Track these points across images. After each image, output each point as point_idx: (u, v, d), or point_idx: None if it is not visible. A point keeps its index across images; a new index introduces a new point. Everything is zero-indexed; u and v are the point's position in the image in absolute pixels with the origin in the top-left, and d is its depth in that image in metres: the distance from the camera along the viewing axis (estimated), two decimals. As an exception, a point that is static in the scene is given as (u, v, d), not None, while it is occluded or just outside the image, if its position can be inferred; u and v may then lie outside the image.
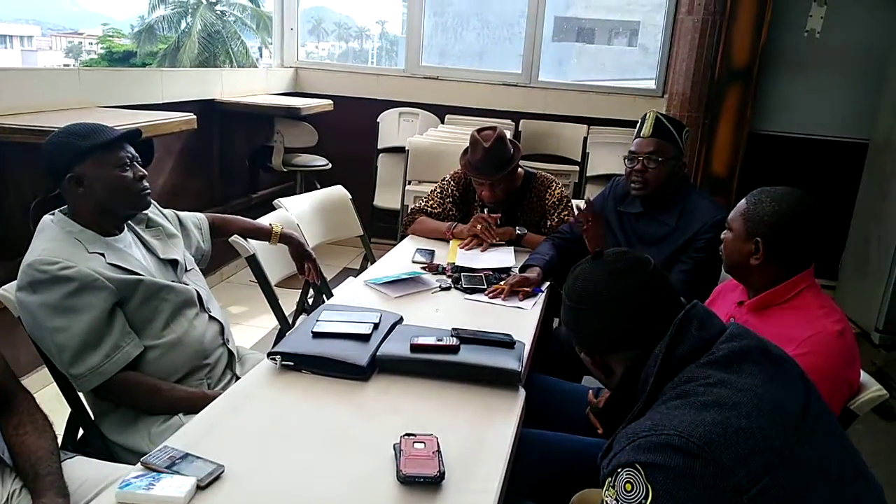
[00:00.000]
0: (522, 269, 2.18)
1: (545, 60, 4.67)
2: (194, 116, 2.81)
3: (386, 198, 4.45)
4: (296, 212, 2.53)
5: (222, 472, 1.11)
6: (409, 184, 3.94)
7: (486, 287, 2.07)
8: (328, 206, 2.78)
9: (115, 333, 1.51)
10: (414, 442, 1.19)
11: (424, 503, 1.09)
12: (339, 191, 2.87)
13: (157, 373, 1.59)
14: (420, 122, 4.59)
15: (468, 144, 2.46)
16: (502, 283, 2.07)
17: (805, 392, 1.02)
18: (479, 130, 2.45)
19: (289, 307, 2.43)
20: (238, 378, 1.71)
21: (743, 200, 1.52)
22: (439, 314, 1.88)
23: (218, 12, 27.06)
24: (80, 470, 1.33)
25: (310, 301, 2.56)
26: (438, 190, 2.64)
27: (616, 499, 0.91)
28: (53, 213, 1.58)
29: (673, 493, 0.87)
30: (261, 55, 26.65)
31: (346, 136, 4.62)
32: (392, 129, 4.63)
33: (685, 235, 2.11)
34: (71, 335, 1.46)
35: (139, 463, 1.13)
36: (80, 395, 1.59)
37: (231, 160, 4.11)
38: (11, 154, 2.43)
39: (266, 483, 1.12)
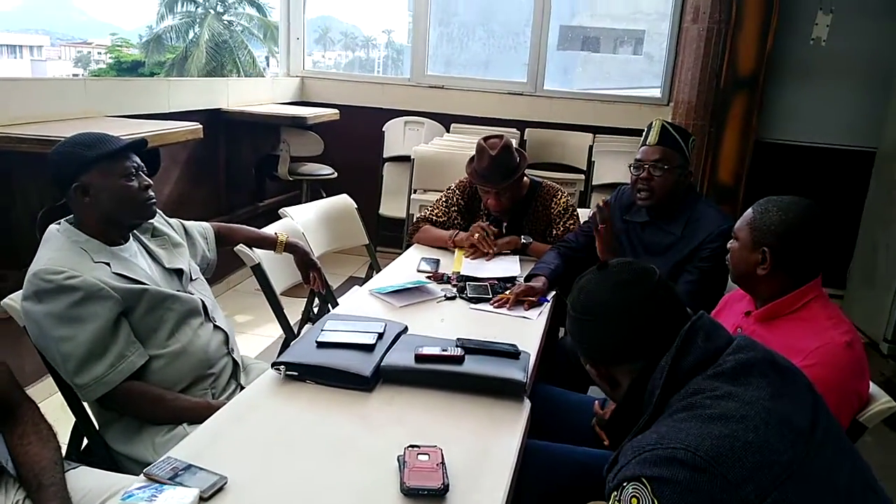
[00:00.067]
0: (528, 279, 2.17)
1: (550, 69, 4.67)
2: (200, 126, 2.82)
3: (391, 207, 4.45)
4: (301, 221, 2.53)
5: (225, 483, 1.11)
6: (415, 192, 3.94)
7: (491, 296, 2.06)
8: (333, 215, 2.79)
9: (119, 343, 1.51)
10: (418, 454, 1.18)
11: (428, 516, 1.08)
12: (344, 200, 2.87)
13: (162, 382, 1.59)
14: (425, 131, 4.59)
15: (474, 153, 2.46)
16: (507, 292, 2.06)
17: (813, 405, 1.01)
18: (485, 139, 2.45)
19: (294, 316, 2.44)
20: (242, 388, 1.71)
21: (749, 210, 1.51)
22: (444, 324, 1.87)
23: (225, 22, 27.26)
24: (84, 480, 1.33)
25: (315, 310, 2.55)
26: (444, 199, 2.64)
27: (622, 513, 0.90)
28: (59, 223, 1.59)
29: (679, 508, 0.86)
30: (268, 64, 26.80)
31: (352, 145, 4.63)
32: (398, 138, 4.63)
33: (691, 244, 2.09)
34: (76, 344, 1.46)
35: (142, 474, 1.12)
36: (85, 404, 1.59)
37: (237, 169, 4.12)
38: (19, 163, 2.45)
39: (269, 494, 1.12)
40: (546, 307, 2.04)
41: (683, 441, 0.89)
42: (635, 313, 1.09)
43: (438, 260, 2.38)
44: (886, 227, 3.86)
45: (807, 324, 1.41)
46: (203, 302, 1.73)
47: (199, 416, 1.44)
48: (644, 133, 2.18)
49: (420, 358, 1.51)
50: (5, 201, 2.49)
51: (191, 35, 26.62)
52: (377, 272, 2.46)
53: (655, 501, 0.87)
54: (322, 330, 1.62)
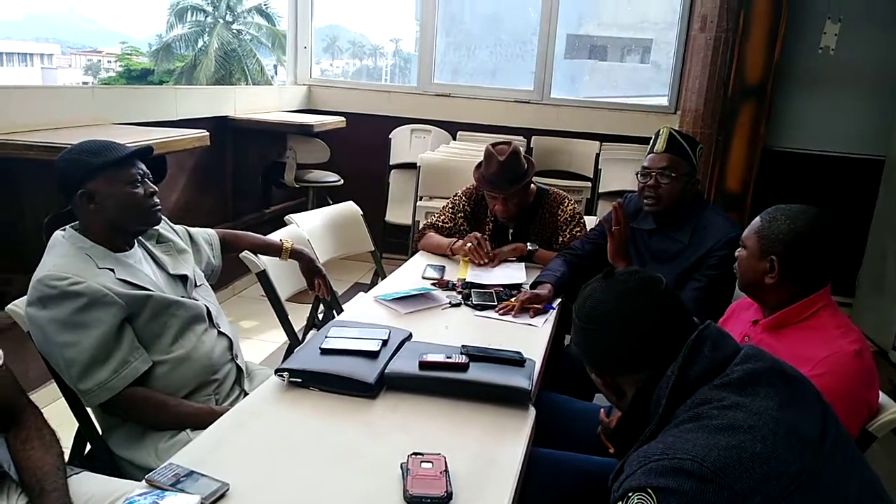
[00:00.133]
0: (533, 286, 2.16)
1: (557, 78, 4.67)
2: (207, 133, 2.83)
3: (397, 213, 4.45)
4: (307, 227, 2.53)
5: (227, 490, 1.10)
6: (421, 200, 3.94)
7: (496, 304, 2.05)
8: (339, 222, 2.79)
9: (123, 349, 1.51)
10: (421, 461, 1.17)
11: (431, 525, 1.07)
12: (349, 207, 2.87)
13: (166, 388, 1.59)
14: (432, 139, 4.60)
15: (482, 158, 2.46)
16: (513, 299, 2.05)
17: (822, 415, 0.99)
18: (493, 144, 2.45)
19: (299, 322, 2.43)
20: (246, 394, 1.71)
21: (758, 218, 1.50)
22: (449, 331, 1.86)
23: (234, 31, 27.48)
24: (87, 486, 1.33)
25: (320, 316, 2.55)
26: (450, 205, 2.64)
27: (627, 523, 0.89)
28: (65, 229, 1.59)
29: (685, 519, 0.84)
30: (276, 73, 26.99)
31: (359, 153, 4.64)
32: (404, 145, 4.64)
33: (698, 252, 2.08)
34: (80, 350, 1.46)
35: (144, 480, 1.12)
36: (88, 410, 1.59)
37: (244, 176, 4.13)
38: (26, 170, 2.46)
39: (271, 502, 1.11)
40: (551, 314, 2.03)
41: (690, 451, 0.88)
42: (641, 322, 1.08)
43: (444, 267, 2.37)
44: (895, 235, 3.83)
45: (815, 333, 1.39)
46: (207, 308, 1.73)
47: (202, 421, 1.44)
48: (651, 141, 2.17)
49: (424, 365, 1.50)
50: (12, 207, 2.50)
51: (200, 44, 26.85)
52: (382, 278, 2.45)
53: (661, 512, 0.85)
54: (326, 336, 1.62)
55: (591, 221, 2.63)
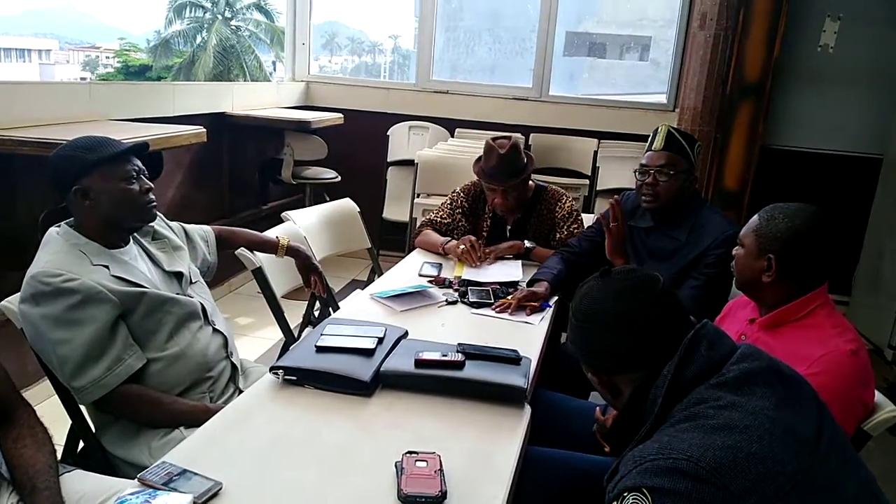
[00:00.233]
0: (530, 284, 2.15)
1: (556, 75, 4.66)
2: (204, 129, 2.82)
3: (395, 210, 4.44)
4: (303, 224, 2.52)
5: (220, 489, 1.09)
6: (418, 197, 3.93)
7: (493, 301, 2.05)
8: (336, 219, 2.78)
9: (117, 346, 1.50)
10: (416, 460, 1.16)
11: (426, 524, 1.07)
12: (346, 204, 2.86)
13: (160, 385, 1.58)
14: (430, 136, 4.59)
15: (482, 152, 2.46)
16: (509, 297, 2.05)
17: (819, 415, 0.99)
18: (494, 138, 2.46)
19: (296, 319, 2.43)
20: (241, 391, 1.70)
21: (755, 216, 1.49)
22: (445, 329, 1.86)
23: (233, 27, 27.40)
24: (79, 484, 1.32)
25: (316, 313, 2.54)
26: (448, 201, 2.63)
27: (622, 523, 0.88)
28: (59, 226, 1.58)
29: (681, 519, 0.84)
30: (274, 69, 26.92)
31: (356, 149, 4.63)
32: (402, 142, 4.63)
33: (696, 251, 2.08)
34: (73, 347, 1.45)
35: (136, 479, 1.11)
36: (82, 407, 1.58)
37: (241, 173, 4.12)
38: (21, 166, 2.45)
39: (263, 501, 1.10)
40: (548, 312, 2.02)
41: (686, 451, 0.88)
42: (638, 322, 1.07)
43: (441, 264, 2.36)
44: (892, 233, 3.83)
45: (812, 331, 1.39)
46: (202, 305, 1.72)
47: (196, 419, 1.43)
48: (650, 138, 2.17)
49: (420, 363, 1.49)
50: (8, 203, 2.49)
51: (198, 40, 26.76)
52: (379, 276, 2.44)
53: (656, 512, 0.85)
54: (322, 334, 1.61)
55: (588, 219, 2.62)
